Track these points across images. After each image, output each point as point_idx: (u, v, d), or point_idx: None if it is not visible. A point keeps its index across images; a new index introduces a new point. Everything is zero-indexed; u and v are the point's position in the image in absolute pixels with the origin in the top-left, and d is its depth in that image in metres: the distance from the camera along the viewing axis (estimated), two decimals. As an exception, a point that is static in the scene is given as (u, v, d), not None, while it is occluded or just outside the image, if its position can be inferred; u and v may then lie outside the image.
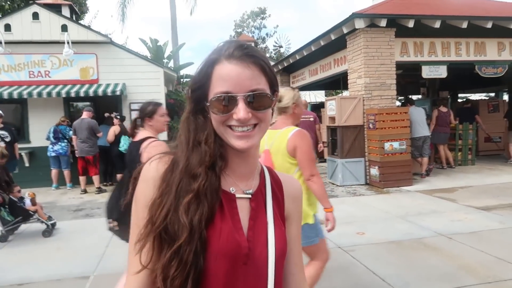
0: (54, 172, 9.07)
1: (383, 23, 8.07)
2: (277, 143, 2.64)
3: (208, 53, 0.90)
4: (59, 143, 8.87)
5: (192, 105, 0.91)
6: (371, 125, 8.15)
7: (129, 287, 0.84)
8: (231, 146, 0.87)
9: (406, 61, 8.76)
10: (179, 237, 0.78)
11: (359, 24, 8.10)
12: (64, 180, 9.11)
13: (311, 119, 7.69)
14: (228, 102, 0.83)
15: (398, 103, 11.28)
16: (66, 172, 9.07)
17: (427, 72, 8.88)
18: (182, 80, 14.35)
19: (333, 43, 9.31)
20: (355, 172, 8.43)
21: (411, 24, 8.15)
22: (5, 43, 8.97)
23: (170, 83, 13.31)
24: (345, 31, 8.55)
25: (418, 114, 8.87)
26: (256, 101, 0.84)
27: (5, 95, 8.88)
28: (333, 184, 8.61)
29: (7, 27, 9.43)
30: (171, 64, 17.14)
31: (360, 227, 5.33)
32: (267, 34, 39.30)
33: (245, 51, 0.86)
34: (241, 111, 0.83)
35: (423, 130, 8.88)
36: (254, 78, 0.85)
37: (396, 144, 7.97)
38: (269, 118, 0.90)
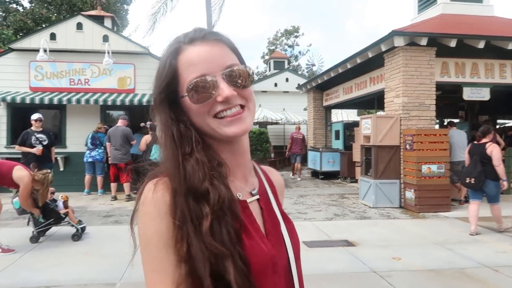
0: (87, 177, 9.24)
1: (424, 41, 7.84)
2: None
3: (165, 49, 0.81)
4: (96, 149, 9.10)
5: (163, 112, 0.78)
6: (408, 146, 7.84)
7: None
8: (225, 137, 0.76)
9: (447, 81, 8.44)
10: (224, 268, 0.66)
11: (399, 42, 7.90)
12: (96, 187, 9.26)
13: (300, 137, 12.57)
14: (207, 85, 0.73)
15: (436, 126, 10.86)
16: (99, 178, 9.23)
17: (468, 94, 8.52)
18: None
19: (370, 61, 9.13)
20: (389, 194, 8.10)
21: (453, 43, 7.87)
22: (50, 51, 9.35)
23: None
24: (383, 49, 8.36)
25: (458, 137, 8.46)
26: (237, 77, 0.75)
27: (46, 100, 9.20)
28: (365, 205, 8.30)
29: (52, 36, 9.84)
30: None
31: (395, 251, 5.04)
32: (299, 52, 39.52)
33: (205, 31, 0.79)
34: (224, 90, 0.73)
35: (463, 154, 8.44)
36: (226, 54, 0.77)
37: (434, 167, 7.61)
38: (254, 97, 0.81)
